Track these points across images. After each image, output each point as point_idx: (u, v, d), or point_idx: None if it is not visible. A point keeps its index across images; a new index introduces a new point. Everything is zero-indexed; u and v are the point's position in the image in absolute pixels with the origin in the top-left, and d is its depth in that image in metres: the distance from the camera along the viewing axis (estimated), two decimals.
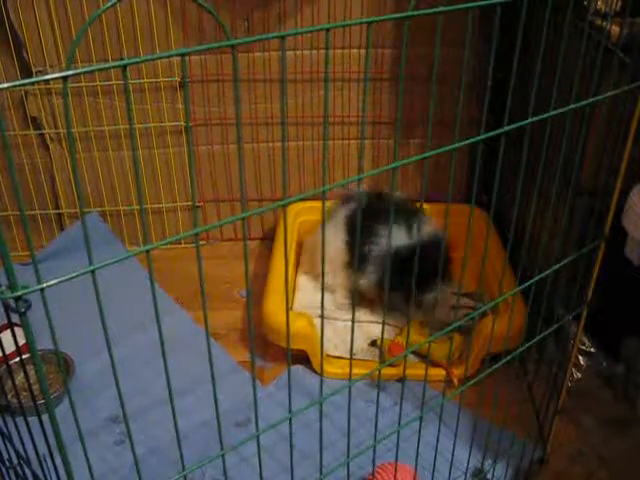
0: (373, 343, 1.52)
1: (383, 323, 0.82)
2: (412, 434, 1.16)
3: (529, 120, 0.79)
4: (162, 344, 0.64)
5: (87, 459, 0.65)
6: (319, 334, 1.42)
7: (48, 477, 0.90)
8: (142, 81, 1.71)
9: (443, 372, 1.39)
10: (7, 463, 0.98)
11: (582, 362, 1.33)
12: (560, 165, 0.93)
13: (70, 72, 0.47)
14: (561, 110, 0.82)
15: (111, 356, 0.61)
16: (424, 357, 1.46)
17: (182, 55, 0.53)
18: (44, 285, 0.52)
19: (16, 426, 0.92)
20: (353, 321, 0.83)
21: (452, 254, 1.47)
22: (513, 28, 1.48)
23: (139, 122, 1.76)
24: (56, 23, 1.62)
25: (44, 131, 1.74)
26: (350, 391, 0.83)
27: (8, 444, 0.96)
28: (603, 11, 1.16)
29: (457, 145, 0.73)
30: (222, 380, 1.42)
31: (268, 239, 1.93)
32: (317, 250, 1.67)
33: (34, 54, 1.65)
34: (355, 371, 1.15)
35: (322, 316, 0.75)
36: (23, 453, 0.94)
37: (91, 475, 0.66)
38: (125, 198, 1.86)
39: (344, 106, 1.80)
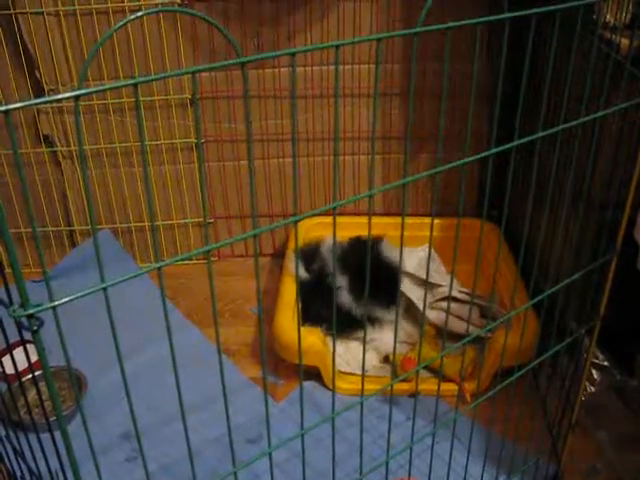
0: (385, 359, 1.51)
1: (395, 339, 0.82)
2: (425, 450, 1.15)
3: (539, 134, 0.79)
4: (174, 360, 0.64)
5: (99, 476, 0.64)
6: (331, 350, 1.41)
7: None
8: (153, 98, 1.72)
9: (455, 387, 1.38)
10: None
11: (596, 376, 1.32)
12: (571, 178, 0.93)
13: (82, 91, 0.48)
14: (571, 124, 0.81)
15: (123, 373, 0.61)
16: (436, 372, 1.46)
17: (193, 73, 0.53)
18: (56, 303, 0.52)
19: (28, 443, 0.92)
20: (365, 337, 0.83)
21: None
22: (522, 42, 1.49)
23: (150, 139, 1.77)
24: (68, 42, 1.64)
25: (56, 149, 1.76)
26: (362, 407, 0.82)
27: (21, 461, 0.96)
28: (612, 24, 1.16)
29: (467, 160, 0.73)
30: (234, 396, 1.42)
31: (279, 255, 1.94)
32: None
33: (46, 73, 1.66)
34: (367, 387, 1.14)
35: (334, 333, 0.75)
36: (35, 470, 0.94)
37: None
38: (136, 215, 1.87)
39: (354, 122, 1.80)
